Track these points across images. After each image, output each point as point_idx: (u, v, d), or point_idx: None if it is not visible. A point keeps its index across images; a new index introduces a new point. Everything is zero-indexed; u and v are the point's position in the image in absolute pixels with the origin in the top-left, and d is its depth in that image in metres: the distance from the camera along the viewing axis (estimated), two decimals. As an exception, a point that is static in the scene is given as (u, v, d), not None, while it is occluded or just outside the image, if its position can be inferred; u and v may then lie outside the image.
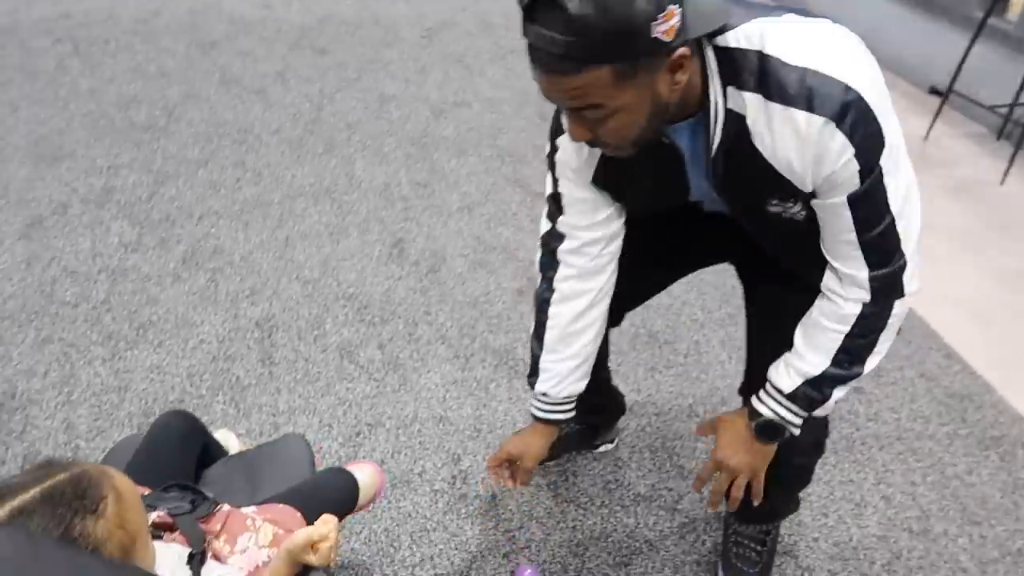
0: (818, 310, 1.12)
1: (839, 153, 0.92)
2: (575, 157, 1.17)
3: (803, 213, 1.05)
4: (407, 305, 2.33)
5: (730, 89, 0.96)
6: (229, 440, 1.48)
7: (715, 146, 1.01)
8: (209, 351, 2.14)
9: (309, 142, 3.21)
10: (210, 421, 1.89)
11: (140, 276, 2.41)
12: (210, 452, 1.34)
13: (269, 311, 2.29)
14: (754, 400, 1.22)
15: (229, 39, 4.17)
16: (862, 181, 0.94)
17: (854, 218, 0.99)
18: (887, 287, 1.05)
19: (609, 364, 1.72)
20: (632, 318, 2.25)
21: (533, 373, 1.38)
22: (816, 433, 1.32)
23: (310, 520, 1.07)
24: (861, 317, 1.07)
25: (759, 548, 1.60)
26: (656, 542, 1.69)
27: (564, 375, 1.35)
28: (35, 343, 2.15)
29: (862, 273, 1.04)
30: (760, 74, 0.92)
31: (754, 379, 1.28)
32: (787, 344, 1.18)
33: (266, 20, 4.46)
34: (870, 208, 0.98)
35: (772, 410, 1.19)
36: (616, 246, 1.29)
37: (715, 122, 0.99)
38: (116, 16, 4.39)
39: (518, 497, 1.77)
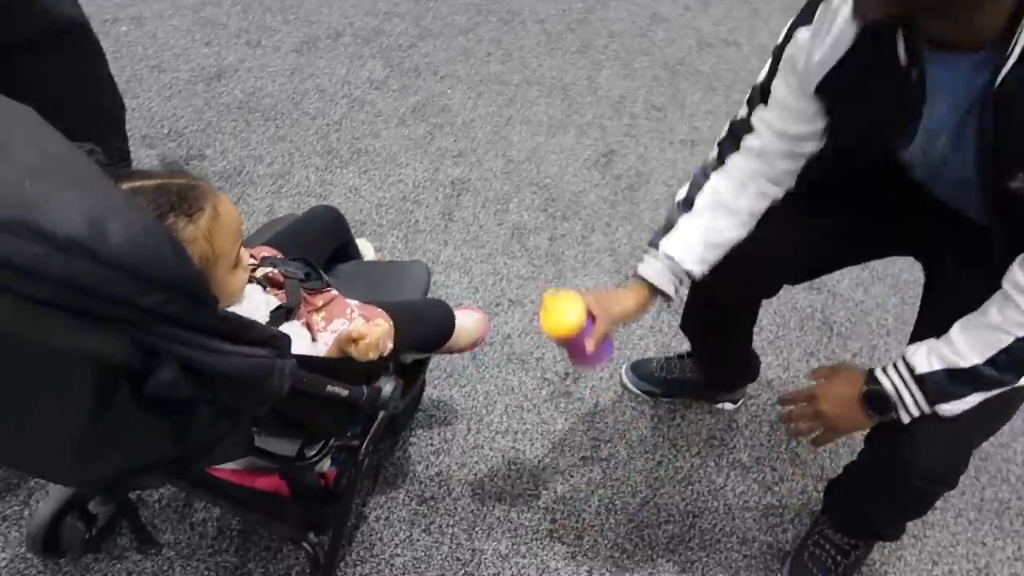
0: (996, 309, 1.01)
1: None
2: (804, 58, 1.07)
3: None
4: (592, 211, 2.33)
5: None
6: (367, 249, 1.61)
7: (999, 82, 0.87)
8: (402, 191, 2.30)
9: (567, 39, 3.23)
10: (379, 248, 2.06)
11: (373, 111, 2.62)
12: (348, 252, 1.47)
13: (467, 175, 2.40)
14: (878, 368, 1.13)
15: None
16: None
17: None
18: None
19: (754, 329, 1.64)
20: (812, 300, 2.11)
21: (664, 232, 1.25)
22: (955, 459, 1.16)
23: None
24: None
25: (839, 558, 1.47)
26: (735, 509, 1.61)
27: (695, 243, 1.23)
28: (271, 138, 2.44)
29: None
30: None
31: None
32: None
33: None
34: None
35: (893, 384, 1.09)
36: (792, 173, 1.22)
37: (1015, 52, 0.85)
38: None
39: (618, 415, 1.76)
